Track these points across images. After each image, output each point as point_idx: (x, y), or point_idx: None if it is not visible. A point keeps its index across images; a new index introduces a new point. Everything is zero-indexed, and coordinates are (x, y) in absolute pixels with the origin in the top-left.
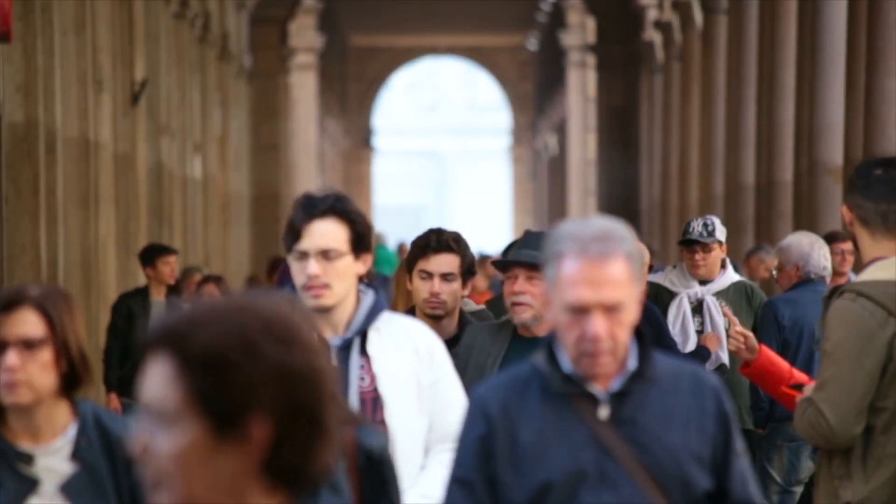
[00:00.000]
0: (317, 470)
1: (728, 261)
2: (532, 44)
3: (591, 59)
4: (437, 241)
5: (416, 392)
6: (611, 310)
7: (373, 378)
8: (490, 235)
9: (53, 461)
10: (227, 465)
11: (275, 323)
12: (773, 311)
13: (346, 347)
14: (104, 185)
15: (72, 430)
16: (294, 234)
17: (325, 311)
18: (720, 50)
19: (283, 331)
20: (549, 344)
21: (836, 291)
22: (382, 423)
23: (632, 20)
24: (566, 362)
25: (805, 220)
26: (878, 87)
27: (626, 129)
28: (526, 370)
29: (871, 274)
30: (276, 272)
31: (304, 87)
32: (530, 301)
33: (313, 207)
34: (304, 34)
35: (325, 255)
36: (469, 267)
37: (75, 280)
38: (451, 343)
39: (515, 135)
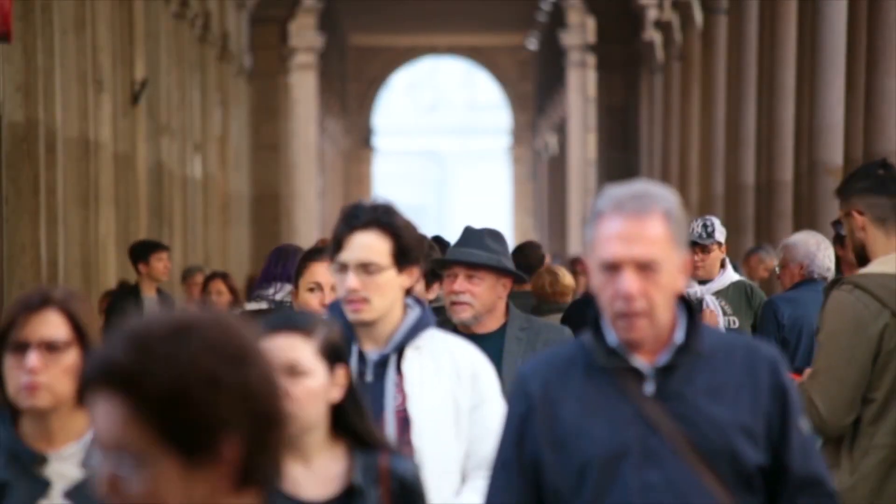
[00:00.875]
0: (280, 463)
1: (728, 260)
2: (532, 43)
3: (591, 59)
4: None
5: (453, 416)
6: (644, 268)
7: (404, 397)
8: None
9: (65, 467)
10: (201, 487)
11: (222, 343)
12: (774, 310)
13: (383, 363)
14: (104, 185)
15: (87, 438)
16: (336, 245)
17: (367, 325)
18: (720, 50)
19: (233, 349)
20: (595, 318)
21: (837, 283)
22: (409, 443)
23: (632, 20)
24: (612, 336)
25: (805, 219)
26: (878, 87)
27: (626, 128)
28: (572, 347)
29: (872, 267)
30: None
31: (304, 86)
32: (470, 300)
33: (355, 218)
34: (304, 34)
35: (365, 268)
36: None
37: (75, 280)
38: None
39: (515, 135)
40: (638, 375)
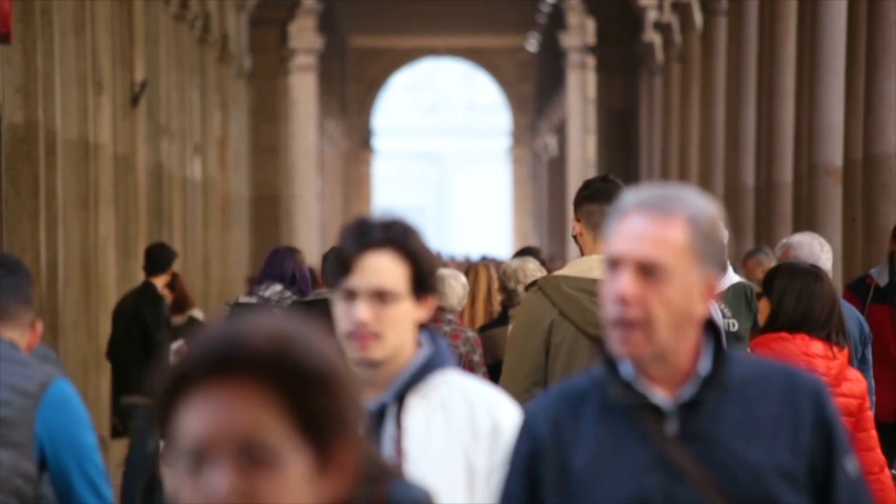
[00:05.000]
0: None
1: (728, 262)
2: (532, 45)
3: (590, 61)
4: None
5: (466, 481)
6: (646, 272)
7: (401, 456)
8: (490, 237)
9: None
10: (324, 494)
11: (328, 342)
12: None
13: (380, 413)
14: (104, 187)
15: None
16: (341, 267)
17: (373, 366)
18: (720, 51)
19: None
20: (607, 349)
21: (532, 285)
22: None
23: (631, 21)
24: (627, 368)
25: (804, 221)
26: (877, 89)
27: (626, 130)
28: (584, 381)
29: (562, 270)
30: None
31: (303, 88)
32: None
33: (366, 236)
34: (304, 35)
35: (380, 297)
36: None
37: (75, 281)
38: None
39: (515, 136)
40: (658, 413)
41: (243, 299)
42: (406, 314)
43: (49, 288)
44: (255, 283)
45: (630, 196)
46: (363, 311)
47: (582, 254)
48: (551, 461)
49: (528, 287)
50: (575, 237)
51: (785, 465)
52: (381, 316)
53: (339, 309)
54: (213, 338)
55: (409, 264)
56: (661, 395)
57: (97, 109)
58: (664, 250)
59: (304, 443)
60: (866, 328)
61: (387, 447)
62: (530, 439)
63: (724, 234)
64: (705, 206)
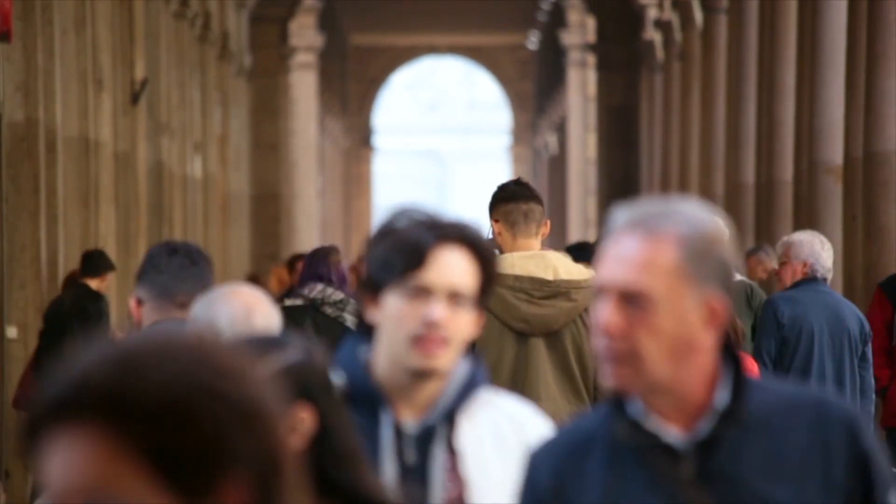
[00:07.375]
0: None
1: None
2: (532, 43)
3: (591, 59)
4: None
5: None
6: (630, 301)
7: (460, 484)
8: (490, 234)
9: None
10: None
11: (217, 357)
12: (773, 309)
13: (426, 437)
14: (104, 184)
15: None
16: (414, 257)
17: (429, 377)
18: (720, 49)
19: (231, 364)
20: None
21: None
22: None
23: (632, 19)
24: (636, 404)
25: (805, 219)
26: (877, 87)
27: (627, 128)
28: (591, 423)
29: None
30: (297, 269)
31: (304, 86)
32: None
33: (440, 228)
34: (305, 33)
35: (455, 298)
36: None
37: None
38: None
39: (515, 134)
40: (672, 453)
41: (288, 302)
42: (469, 323)
43: (49, 285)
44: (298, 283)
45: (621, 213)
46: (441, 311)
47: (501, 252)
48: None
49: None
50: (492, 238)
51: None
52: (453, 320)
53: (401, 307)
54: (56, 379)
55: (481, 269)
56: (674, 433)
57: (97, 107)
58: (649, 276)
59: (169, 487)
60: (866, 326)
61: (437, 475)
62: (532, 492)
63: (728, 248)
64: (701, 220)
